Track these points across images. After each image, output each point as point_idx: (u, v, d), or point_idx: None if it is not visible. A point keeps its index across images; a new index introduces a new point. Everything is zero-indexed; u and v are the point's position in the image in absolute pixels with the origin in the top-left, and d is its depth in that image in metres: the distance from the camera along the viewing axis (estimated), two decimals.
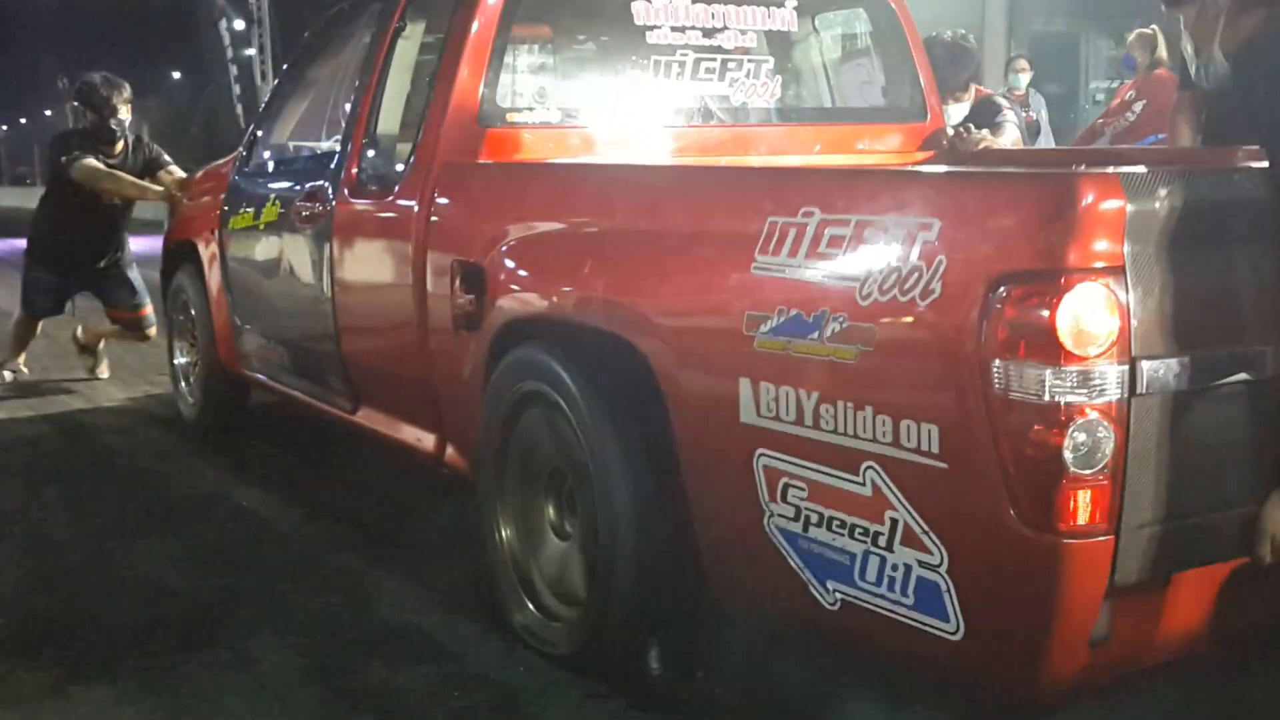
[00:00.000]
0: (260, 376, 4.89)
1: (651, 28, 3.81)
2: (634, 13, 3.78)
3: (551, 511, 3.11)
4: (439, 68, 3.66)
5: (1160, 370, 1.95)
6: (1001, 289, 1.95)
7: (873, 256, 2.16)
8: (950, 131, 4.27)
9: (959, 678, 2.19)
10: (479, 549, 3.43)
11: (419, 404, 3.71)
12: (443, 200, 3.47)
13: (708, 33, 3.88)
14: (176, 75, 38.49)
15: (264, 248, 4.54)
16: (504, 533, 3.19)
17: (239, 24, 16.53)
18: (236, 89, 16.58)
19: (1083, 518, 1.94)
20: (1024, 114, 5.77)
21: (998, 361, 1.96)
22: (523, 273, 3.08)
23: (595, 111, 3.78)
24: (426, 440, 3.72)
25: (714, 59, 3.90)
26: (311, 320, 4.19)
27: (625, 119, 3.79)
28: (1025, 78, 8.16)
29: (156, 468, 4.89)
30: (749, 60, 3.98)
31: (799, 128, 4.10)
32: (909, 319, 2.09)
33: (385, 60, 3.97)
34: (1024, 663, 2.05)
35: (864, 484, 2.20)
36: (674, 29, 3.83)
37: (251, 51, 16.85)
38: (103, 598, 3.49)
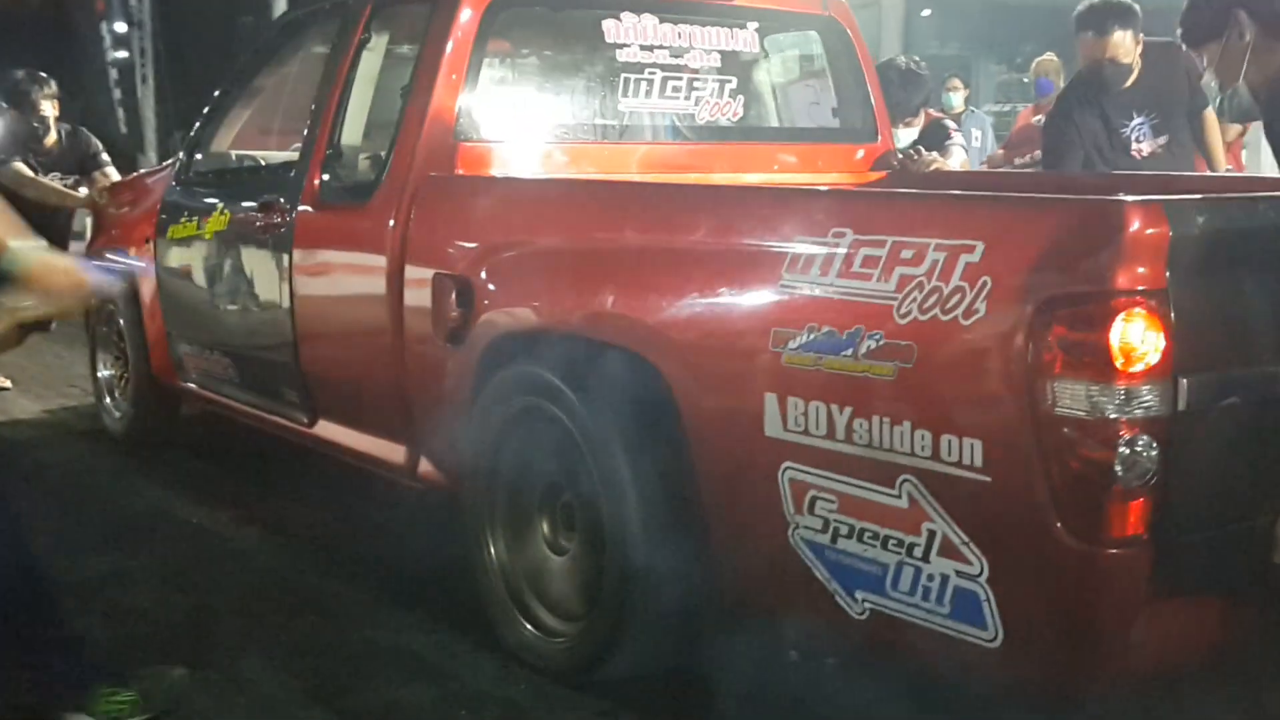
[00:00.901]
0: (198, 388, 4.79)
1: (621, 45, 3.85)
2: (604, 30, 3.83)
3: (546, 527, 3.12)
4: (413, 81, 3.65)
5: (1198, 387, 2.06)
6: (1052, 310, 2.04)
7: (911, 277, 2.24)
8: (900, 154, 4.39)
9: (995, 683, 2.27)
10: (453, 565, 3.43)
11: (389, 417, 3.68)
12: (423, 212, 3.46)
13: (675, 52, 3.94)
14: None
15: (209, 258, 4.44)
16: (494, 550, 3.19)
17: (120, 26, 16.07)
18: (117, 93, 16.11)
19: (1127, 528, 2.04)
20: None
21: (1047, 379, 2.05)
22: (519, 287, 3.09)
23: (565, 127, 3.81)
24: (396, 453, 3.69)
25: (680, 77, 3.96)
26: (266, 332, 4.12)
27: (595, 134, 3.83)
28: (958, 96, 8.06)
29: (94, 483, 4.75)
30: (713, 79, 4.04)
31: (758, 146, 4.18)
32: (951, 337, 2.17)
33: (349, 72, 3.93)
34: (1065, 667, 2.14)
35: (899, 496, 2.27)
36: (643, 47, 3.88)
37: (125, 55, 16.41)
38: (69, 618, 3.38)
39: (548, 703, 2.92)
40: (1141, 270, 2.01)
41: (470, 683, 3.01)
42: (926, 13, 12.69)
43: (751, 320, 2.52)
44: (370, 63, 3.96)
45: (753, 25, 4.10)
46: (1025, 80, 5.52)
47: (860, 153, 4.28)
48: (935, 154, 4.38)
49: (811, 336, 2.38)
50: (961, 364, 2.18)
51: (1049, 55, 7.75)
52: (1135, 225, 2.01)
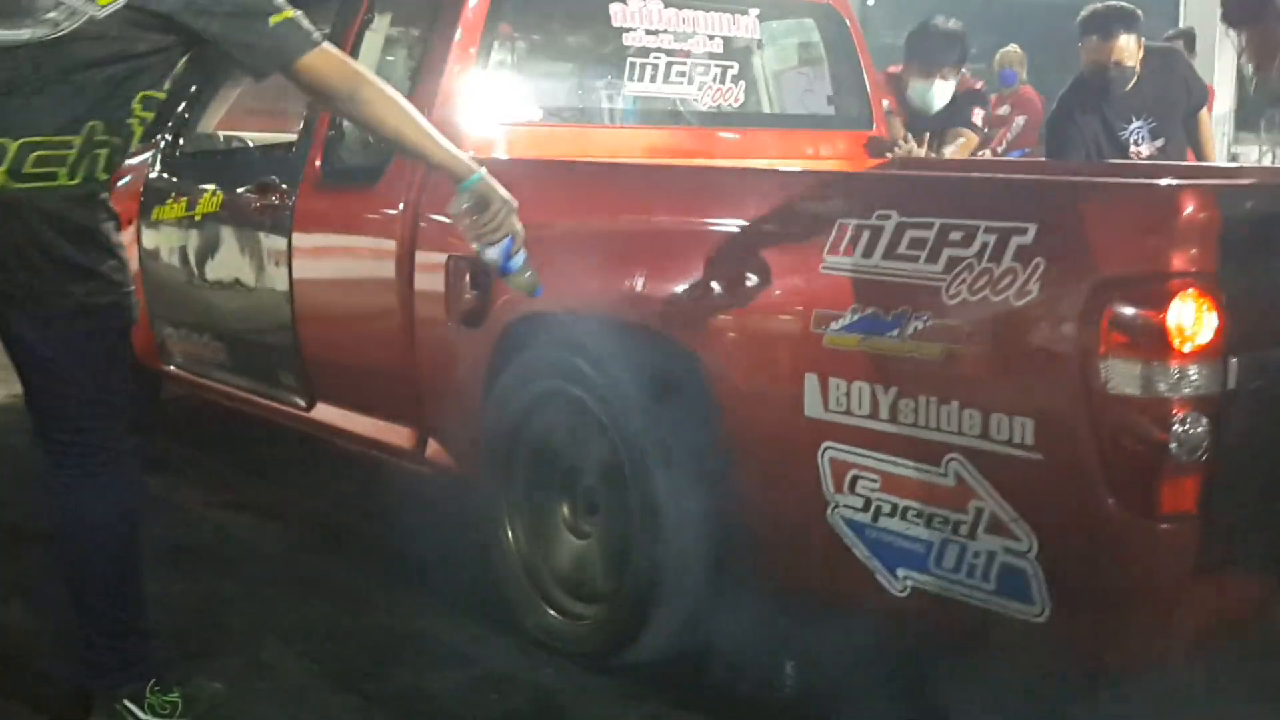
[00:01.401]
0: (182, 372, 4.73)
1: (627, 30, 3.86)
2: (612, 15, 3.83)
3: (566, 511, 3.12)
4: (422, 63, 3.63)
5: (1245, 366, 2.11)
6: (1108, 292, 2.08)
7: (960, 258, 2.27)
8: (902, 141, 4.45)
9: (1040, 658, 2.31)
10: (460, 549, 3.43)
11: (395, 400, 3.67)
12: (436, 194, 3.44)
13: (679, 37, 3.96)
14: None
15: (200, 239, 4.38)
16: (512, 534, 3.19)
17: None
18: None
19: (1179, 504, 2.09)
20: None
21: (1102, 359, 2.09)
22: (543, 269, 3.07)
23: (573, 110, 3.82)
24: (401, 437, 3.68)
25: (684, 63, 3.98)
26: (262, 315, 4.08)
27: (602, 118, 3.84)
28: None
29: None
30: (715, 65, 4.06)
31: (759, 132, 4.20)
32: (1003, 318, 2.21)
33: (352, 53, 3.89)
34: (1113, 640, 2.19)
35: (946, 475, 2.31)
36: (648, 32, 3.89)
37: None
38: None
39: (576, 685, 2.92)
40: (1195, 253, 2.06)
41: (495, 666, 3.00)
42: (871, 1, 12.78)
43: (791, 302, 2.55)
44: (373, 43, 3.93)
45: (754, 11, 4.13)
46: (974, 71, 5.50)
47: (857, 140, 4.32)
48: (913, 145, 4.43)
49: (855, 318, 2.41)
50: (1013, 344, 2.22)
51: (1012, 46, 7.85)
52: (1190, 209, 2.06)
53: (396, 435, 3.70)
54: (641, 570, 2.82)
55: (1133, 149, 4.51)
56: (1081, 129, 4.52)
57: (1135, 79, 4.51)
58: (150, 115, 2.44)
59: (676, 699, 2.86)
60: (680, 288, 2.75)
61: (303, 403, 4.06)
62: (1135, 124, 4.51)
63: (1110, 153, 4.49)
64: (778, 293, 2.58)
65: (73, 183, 2.35)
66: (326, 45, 2.49)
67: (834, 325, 2.44)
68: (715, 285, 2.69)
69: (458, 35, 3.55)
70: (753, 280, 2.63)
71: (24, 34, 2.25)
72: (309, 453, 4.35)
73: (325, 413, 3.99)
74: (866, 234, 2.42)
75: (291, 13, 2.43)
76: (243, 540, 3.93)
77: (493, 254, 2.57)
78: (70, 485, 2.55)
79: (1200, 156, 4.72)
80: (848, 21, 4.33)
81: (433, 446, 3.59)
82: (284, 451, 4.53)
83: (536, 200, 3.25)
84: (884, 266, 2.38)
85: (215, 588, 3.49)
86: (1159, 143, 4.54)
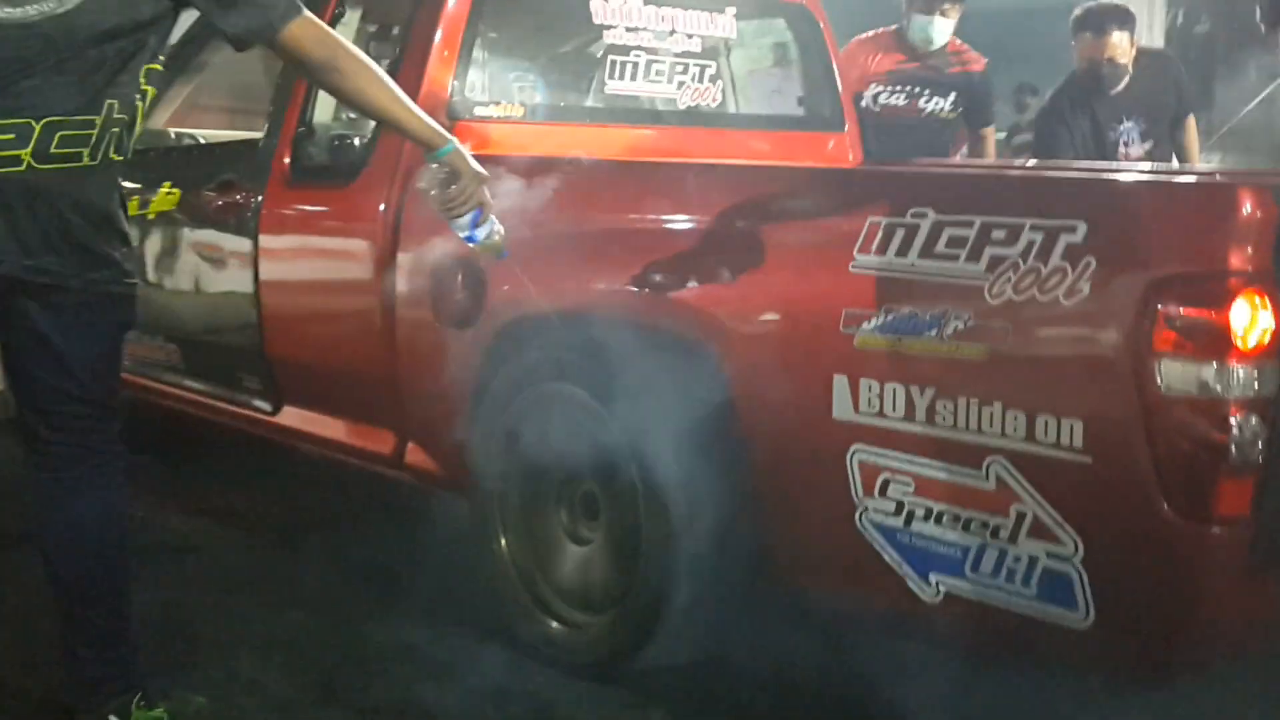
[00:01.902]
0: (131, 376, 4.51)
1: (608, 27, 3.78)
2: (592, 11, 3.74)
3: (565, 517, 3.02)
4: (401, 58, 3.50)
5: None
6: (1163, 291, 2.05)
7: (1004, 257, 2.22)
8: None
9: (1083, 662, 2.28)
10: (435, 556, 3.33)
11: (372, 404, 3.54)
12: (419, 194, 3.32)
13: (658, 35, 3.89)
14: None
15: (155, 240, 4.19)
16: (505, 541, 3.08)
17: None
18: None
19: (1234, 507, 2.06)
20: None
21: (1157, 359, 2.05)
22: (544, 269, 2.97)
23: (553, 108, 3.72)
24: (379, 441, 3.54)
25: (662, 61, 3.91)
26: (223, 317, 3.92)
27: (583, 116, 3.75)
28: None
29: (13, 476, 4.44)
30: (693, 63, 4.00)
31: (734, 133, 4.14)
32: (1050, 318, 2.16)
33: None
34: (1160, 644, 2.16)
35: (986, 478, 2.26)
36: (628, 29, 3.82)
37: None
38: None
39: (574, 695, 2.83)
40: (1253, 252, 2.04)
41: (488, 678, 2.88)
42: None
43: (818, 302, 2.48)
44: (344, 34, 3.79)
45: (730, 10, 4.07)
46: None
47: (831, 142, 4.29)
48: None
49: (888, 318, 2.35)
50: (1061, 345, 2.18)
51: None
52: (1248, 208, 2.03)
53: (373, 440, 3.56)
54: (650, 577, 2.74)
55: (1121, 149, 4.54)
56: (1071, 128, 4.55)
57: (1127, 79, 4.54)
58: (153, 91, 2.36)
59: (681, 708, 2.79)
60: (697, 286, 2.67)
61: (268, 407, 3.90)
62: (1126, 124, 4.55)
63: (1098, 153, 4.52)
64: (804, 293, 2.52)
65: (94, 163, 2.27)
66: (308, 14, 2.44)
67: (865, 325, 2.38)
68: (735, 283, 2.62)
69: (440, 29, 3.44)
70: (775, 278, 2.56)
71: (31, 10, 2.15)
72: (268, 459, 4.19)
73: (293, 417, 3.83)
74: (900, 232, 2.36)
75: None
76: (201, 549, 3.77)
77: (461, 224, 2.62)
78: (63, 487, 2.41)
79: (1185, 162, 4.77)
80: (820, 22, 4.30)
81: (413, 452, 3.46)
82: (240, 457, 4.35)
83: (529, 198, 3.18)
84: (920, 266, 2.33)
85: (179, 598, 3.32)
86: (1148, 145, 4.58)
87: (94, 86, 2.22)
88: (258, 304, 3.76)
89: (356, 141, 3.59)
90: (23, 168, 2.19)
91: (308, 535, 3.87)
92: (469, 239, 2.65)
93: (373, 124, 3.49)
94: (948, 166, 4.15)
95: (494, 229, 2.64)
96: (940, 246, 2.31)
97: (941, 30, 4.88)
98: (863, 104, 4.75)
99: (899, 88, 4.89)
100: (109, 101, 2.24)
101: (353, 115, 3.74)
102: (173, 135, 4.51)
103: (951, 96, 4.96)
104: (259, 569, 3.59)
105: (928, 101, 4.94)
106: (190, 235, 4.02)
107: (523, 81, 3.69)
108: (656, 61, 3.88)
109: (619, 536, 2.86)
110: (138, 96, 2.31)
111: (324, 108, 3.78)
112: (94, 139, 2.24)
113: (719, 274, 2.64)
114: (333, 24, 3.74)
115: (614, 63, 3.80)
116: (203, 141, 4.33)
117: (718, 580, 2.71)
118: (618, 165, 3.34)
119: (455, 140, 2.58)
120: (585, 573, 2.97)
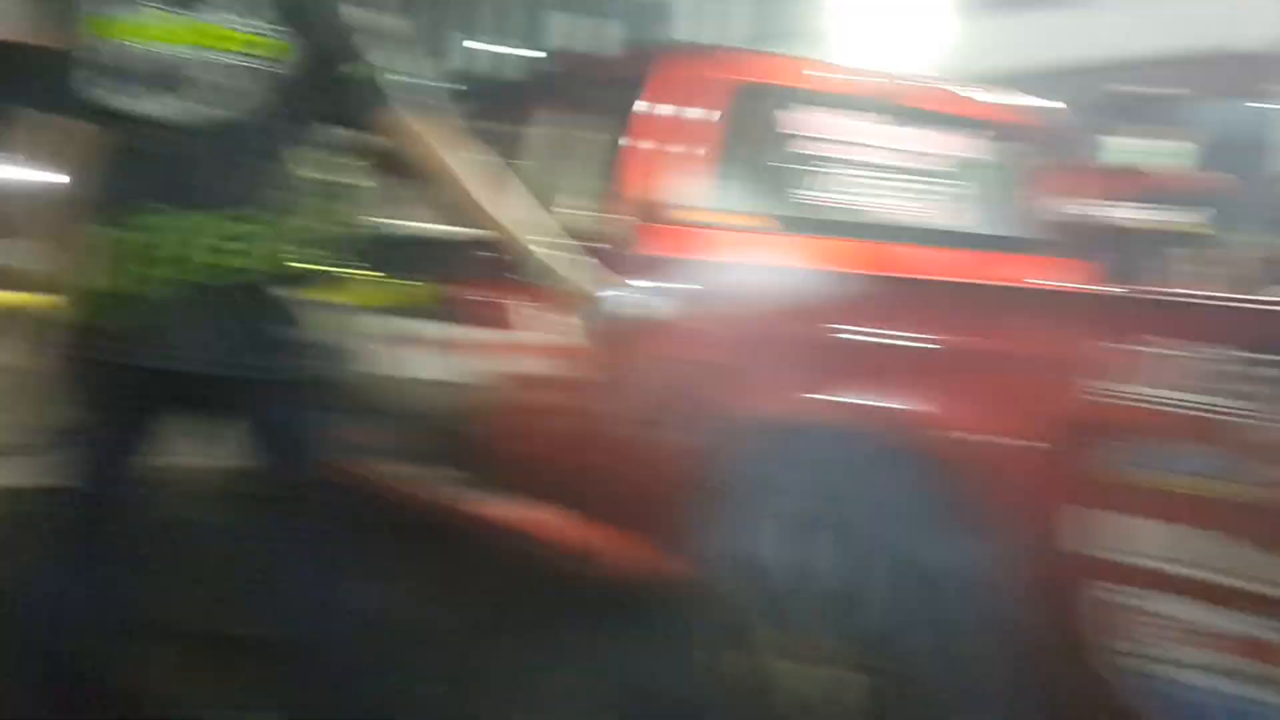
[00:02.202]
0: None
1: (857, 144, 3.81)
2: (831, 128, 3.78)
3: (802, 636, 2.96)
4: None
5: None
6: None
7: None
8: None
9: None
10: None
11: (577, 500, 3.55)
12: None
13: (910, 155, 3.90)
14: None
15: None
16: (744, 655, 3.02)
17: None
18: None
19: None
20: None
21: None
22: (785, 379, 2.96)
23: (789, 219, 3.75)
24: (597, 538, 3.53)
25: (913, 179, 3.91)
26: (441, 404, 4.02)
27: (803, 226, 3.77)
28: None
29: None
30: (943, 183, 3.99)
31: (985, 254, 4.08)
32: None
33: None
34: None
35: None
36: (880, 147, 3.84)
37: None
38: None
39: None
40: None
41: None
42: None
43: (1070, 428, 2.40)
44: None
45: (987, 133, 4.05)
46: None
47: (1067, 268, 4.18)
48: None
49: (1151, 450, 2.26)
50: None
51: None
52: None
53: (588, 536, 3.57)
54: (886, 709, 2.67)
55: None
56: None
57: None
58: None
59: None
60: (938, 406, 2.62)
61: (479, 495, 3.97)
62: None
63: None
64: (1053, 416, 2.44)
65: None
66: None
67: (1122, 456, 2.29)
68: (980, 405, 2.56)
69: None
70: (1021, 403, 2.50)
71: None
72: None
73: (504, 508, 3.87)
74: (1151, 361, 2.28)
75: None
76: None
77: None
78: None
79: None
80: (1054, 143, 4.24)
81: (639, 553, 3.46)
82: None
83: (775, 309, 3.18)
84: (1172, 397, 2.24)
85: None
86: None
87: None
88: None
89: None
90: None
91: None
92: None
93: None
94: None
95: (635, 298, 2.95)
96: (1198, 378, 2.21)
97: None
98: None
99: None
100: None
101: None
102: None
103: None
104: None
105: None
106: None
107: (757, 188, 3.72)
108: (907, 179, 3.90)
109: (858, 662, 2.78)
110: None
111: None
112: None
113: (965, 394, 2.58)
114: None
115: (862, 178, 3.83)
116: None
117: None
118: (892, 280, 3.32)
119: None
120: (826, 694, 2.88)
